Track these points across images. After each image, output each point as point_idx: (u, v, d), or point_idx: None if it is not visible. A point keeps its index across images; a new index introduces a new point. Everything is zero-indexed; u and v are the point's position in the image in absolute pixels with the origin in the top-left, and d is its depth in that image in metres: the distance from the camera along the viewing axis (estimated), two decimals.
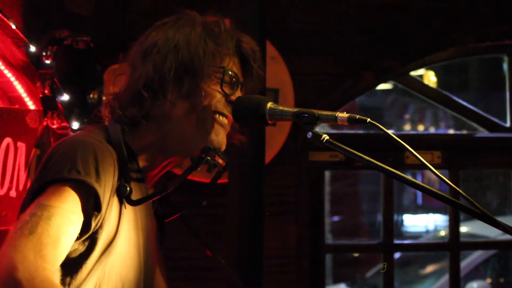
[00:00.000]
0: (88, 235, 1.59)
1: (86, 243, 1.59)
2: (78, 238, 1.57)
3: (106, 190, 1.58)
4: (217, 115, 1.72)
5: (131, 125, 1.72)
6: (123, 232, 1.65)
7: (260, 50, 1.81)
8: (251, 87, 1.81)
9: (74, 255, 1.58)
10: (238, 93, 1.75)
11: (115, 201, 1.63)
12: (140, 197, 1.67)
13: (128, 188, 1.63)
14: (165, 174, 1.83)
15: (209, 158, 1.70)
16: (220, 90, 1.71)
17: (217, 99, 1.71)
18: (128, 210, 1.67)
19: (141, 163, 1.73)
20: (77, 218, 1.54)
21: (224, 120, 1.73)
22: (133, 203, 1.65)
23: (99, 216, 1.58)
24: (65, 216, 1.51)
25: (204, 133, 1.71)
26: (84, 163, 1.55)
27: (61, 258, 1.53)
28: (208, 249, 1.97)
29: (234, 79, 1.74)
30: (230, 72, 1.72)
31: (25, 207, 1.56)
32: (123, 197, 1.63)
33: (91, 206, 1.56)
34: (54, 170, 1.56)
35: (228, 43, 1.73)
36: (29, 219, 1.48)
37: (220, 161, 1.73)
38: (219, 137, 1.73)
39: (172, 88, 1.68)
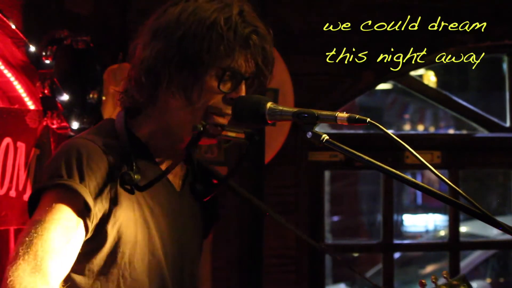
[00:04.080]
0: (94, 232, 1.60)
1: (97, 238, 1.61)
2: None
3: (100, 186, 1.59)
4: (214, 115, 1.70)
5: (135, 111, 1.73)
6: (135, 220, 1.65)
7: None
8: (257, 84, 1.76)
9: (84, 250, 1.60)
10: (241, 90, 1.70)
11: (123, 192, 1.64)
12: (146, 182, 1.66)
13: (132, 176, 1.63)
14: None
15: (212, 133, 1.69)
16: (217, 89, 1.68)
17: (215, 99, 1.69)
18: (142, 197, 1.67)
19: (151, 149, 1.73)
20: (74, 223, 1.56)
21: (220, 119, 1.70)
22: (140, 188, 1.65)
23: (93, 215, 1.58)
24: (60, 226, 1.54)
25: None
26: (67, 166, 1.58)
27: (66, 267, 1.55)
28: (263, 211, 1.95)
29: (235, 78, 1.69)
30: (231, 71, 1.68)
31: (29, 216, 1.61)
32: (128, 184, 1.63)
33: (82, 207, 1.57)
34: (41, 181, 1.61)
35: (237, 40, 1.66)
36: (23, 240, 1.52)
37: (233, 134, 1.72)
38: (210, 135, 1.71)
39: (171, 78, 1.66)
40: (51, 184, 1.56)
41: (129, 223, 1.64)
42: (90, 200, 1.57)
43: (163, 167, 1.75)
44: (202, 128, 1.66)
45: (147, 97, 1.69)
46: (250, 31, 1.69)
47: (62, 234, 1.53)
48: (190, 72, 1.66)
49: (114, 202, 1.61)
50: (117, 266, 1.63)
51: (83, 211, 1.57)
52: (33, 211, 1.58)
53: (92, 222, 1.59)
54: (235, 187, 1.91)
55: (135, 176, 1.63)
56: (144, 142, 1.72)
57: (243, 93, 1.71)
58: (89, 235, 1.60)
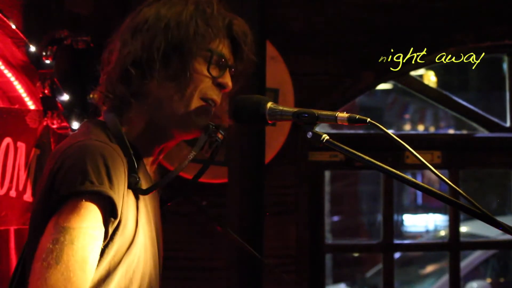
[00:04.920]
0: (107, 240, 1.57)
1: (106, 246, 1.57)
2: None
3: (120, 193, 1.55)
4: (203, 101, 1.70)
5: (122, 107, 1.70)
6: (141, 225, 1.64)
7: (259, 50, 1.80)
8: (242, 70, 1.78)
9: None
10: (227, 76, 1.73)
11: (130, 196, 1.61)
12: (148, 186, 1.65)
13: (138, 179, 1.61)
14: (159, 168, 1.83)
15: (212, 135, 1.70)
16: (207, 73, 1.69)
17: (205, 83, 1.69)
18: (141, 201, 1.66)
19: (139, 150, 1.71)
20: (99, 232, 1.52)
21: (210, 104, 1.71)
22: (143, 192, 1.63)
23: (116, 222, 1.55)
24: (87, 235, 1.49)
25: (188, 116, 1.69)
26: (95, 171, 1.51)
27: (91, 277, 1.52)
28: (218, 225, 1.96)
29: (222, 61, 1.71)
30: (218, 54, 1.70)
31: (38, 221, 1.54)
32: (134, 188, 1.61)
33: (108, 214, 1.54)
34: (66, 184, 1.51)
35: (219, 25, 1.70)
36: (52, 247, 1.47)
37: (220, 136, 1.73)
38: (201, 120, 1.71)
39: (159, 67, 1.66)
40: (83, 190, 1.49)
41: (138, 228, 1.62)
42: (118, 206, 1.54)
43: (149, 169, 1.74)
44: (213, 128, 1.69)
45: (135, 91, 1.68)
46: (231, 18, 1.75)
47: (89, 243, 1.50)
48: (178, 59, 1.67)
49: (126, 207, 1.58)
50: (118, 279, 1.59)
51: (108, 219, 1.53)
52: (52, 214, 1.51)
53: (112, 229, 1.56)
54: (195, 200, 1.92)
55: (139, 179, 1.62)
56: (132, 143, 1.68)
57: (229, 80, 1.73)
58: (104, 242, 1.56)
